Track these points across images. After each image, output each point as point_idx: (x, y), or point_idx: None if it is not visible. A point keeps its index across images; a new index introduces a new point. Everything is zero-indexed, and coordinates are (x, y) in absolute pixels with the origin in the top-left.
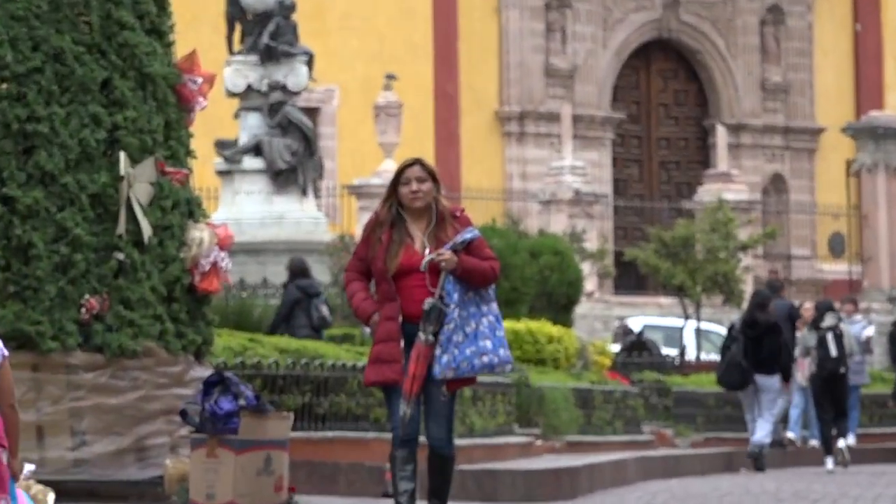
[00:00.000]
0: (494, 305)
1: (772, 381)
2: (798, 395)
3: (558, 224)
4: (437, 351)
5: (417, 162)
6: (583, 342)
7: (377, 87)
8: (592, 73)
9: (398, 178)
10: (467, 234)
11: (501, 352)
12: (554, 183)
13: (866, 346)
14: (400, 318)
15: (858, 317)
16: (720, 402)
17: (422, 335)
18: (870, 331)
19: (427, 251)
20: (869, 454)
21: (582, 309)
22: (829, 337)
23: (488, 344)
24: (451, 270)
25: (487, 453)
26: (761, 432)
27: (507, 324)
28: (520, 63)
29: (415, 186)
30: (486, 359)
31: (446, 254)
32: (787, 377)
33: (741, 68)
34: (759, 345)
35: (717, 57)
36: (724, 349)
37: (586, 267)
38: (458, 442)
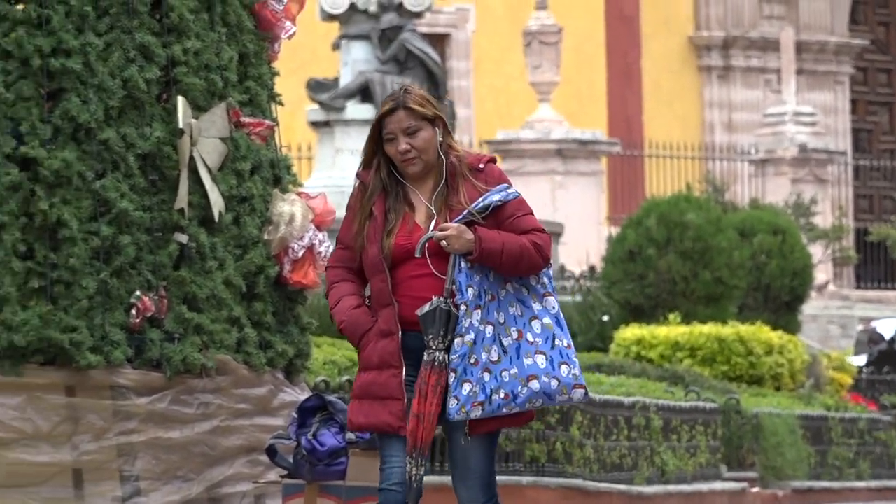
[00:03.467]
0: (553, 301)
1: None
2: None
3: (778, 192)
4: (452, 378)
5: (400, 104)
6: (813, 353)
7: (528, 5)
8: None
9: (378, 132)
10: (493, 195)
11: (564, 371)
12: (771, 135)
13: None
14: (399, 332)
15: None
16: None
17: (426, 354)
18: None
19: (433, 225)
20: None
21: (812, 308)
22: None
23: (541, 361)
24: (463, 253)
25: None
26: None
27: (711, 328)
28: None
29: (403, 145)
30: (536, 384)
31: (450, 227)
32: None
33: None
34: None
35: None
36: None
37: (817, 251)
38: (644, 489)
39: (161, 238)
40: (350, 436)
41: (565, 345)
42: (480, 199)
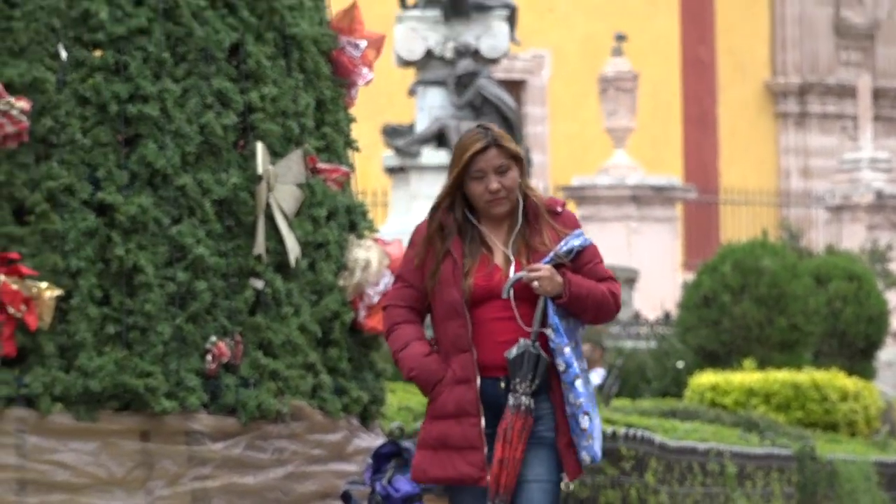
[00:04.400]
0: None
1: None
2: None
3: (854, 238)
4: (586, 420)
5: (492, 141)
6: (889, 400)
7: (604, 51)
8: None
9: (465, 169)
10: (574, 240)
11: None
12: (848, 181)
13: None
14: (478, 380)
15: None
16: None
17: (511, 398)
18: None
19: (513, 267)
20: None
21: (888, 354)
22: None
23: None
24: (552, 296)
25: None
26: None
27: (786, 375)
28: (800, 17)
29: (495, 184)
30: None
31: (542, 269)
32: None
33: None
34: None
35: None
36: None
37: (893, 297)
38: None
39: (237, 284)
40: None
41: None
42: (562, 243)
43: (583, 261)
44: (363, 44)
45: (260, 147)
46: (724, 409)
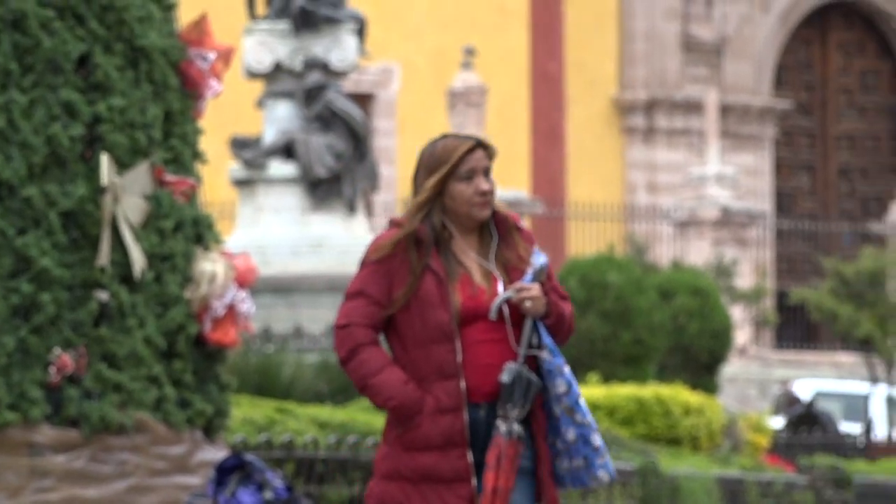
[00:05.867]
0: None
1: None
2: None
3: (699, 253)
4: (597, 440)
5: (479, 142)
6: (732, 415)
7: (453, 65)
8: (747, 46)
9: (453, 170)
10: (540, 257)
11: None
12: (694, 198)
13: None
14: (465, 408)
15: None
16: None
17: (503, 425)
18: None
19: (500, 285)
20: None
21: (731, 369)
22: None
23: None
24: (539, 316)
25: None
26: None
27: (630, 389)
28: (648, 33)
29: (484, 185)
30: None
31: (533, 288)
32: None
33: None
34: None
35: None
36: None
37: (737, 312)
38: None
39: (82, 295)
40: (267, 494)
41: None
42: (535, 261)
43: (548, 278)
44: (212, 55)
45: (105, 159)
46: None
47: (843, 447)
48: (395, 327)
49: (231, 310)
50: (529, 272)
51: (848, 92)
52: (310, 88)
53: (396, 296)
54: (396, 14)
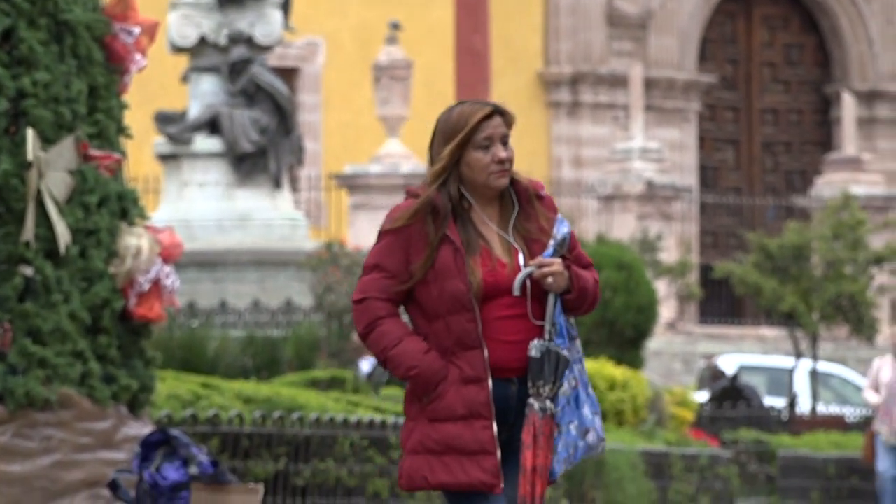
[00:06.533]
0: (579, 344)
1: None
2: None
3: (624, 227)
4: (575, 426)
5: (496, 109)
6: (656, 389)
7: (378, 39)
8: (672, 20)
9: (469, 137)
10: (563, 227)
11: (598, 422)
12: (618, 171)
13: None
14: (489, 379)
15: None
16: (843, 471)
17: (536, 402)
18: None
19: (522, 259)
20: None
21: (656, 344)
22: None
23: (587, 413)
24: (561, 291)
25: None
26: None
27: None
28: (573, 7)
29: (502, 153)
30: (591, 438)
31: (555, 263)
32: None
33: (878, 14)
34: None
35: None
36: None
37: (662, 286)
38: None
39: (6, 271)
40: (192, 469)
41: (592, 392)
42: (556, 231)
43: (570, 248)
44: (137, 30)
45: (30, 133)
46: None
47: (767, 421)
48: (415, 299)
49: (156, 285)
50: (551, 245)
51: (772, 66)
52: (234, 63)
53: (414, 267)
54: None
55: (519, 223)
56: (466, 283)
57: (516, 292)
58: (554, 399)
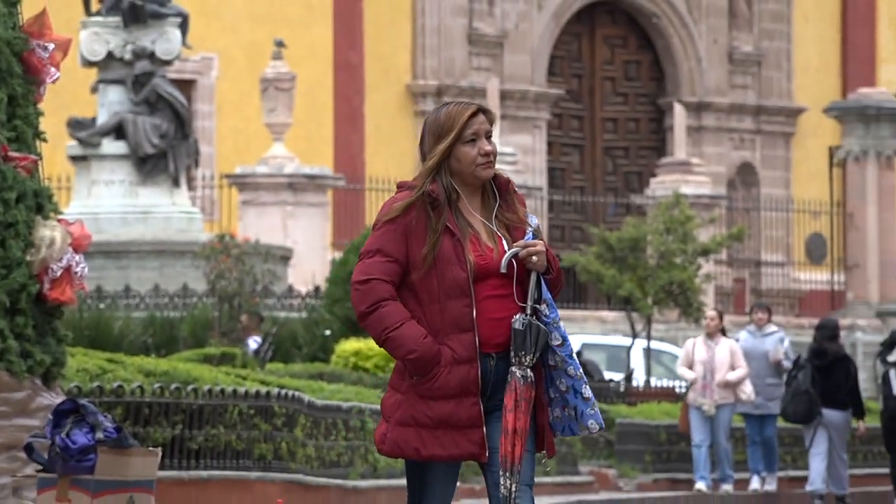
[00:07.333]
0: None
1: (843, 417)
2: (706, 431)
3: None
4: (586, 389)
5: (480, 107)
6: None
7: (265, 55)
8: (525, 40)
9: (460, 133)
10: (534, 220)
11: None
12: None
13: (778, 366)
14: (478, 359)
15: (772, 328)
16: (673, 438)
17: (518, 370)
18: (782, 349)
19: (505, 244)
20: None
21: None
22: (893, 374)
23: (588, 394)
24: (542, 271)
25: (391, 498)
26: (837, 476)
27: None
28: (437, 27)
29: (487, 146)
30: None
31: (539, 244)
32: (859, 414)
33: (705, 35)
34: (828, 376)
35: (675, 21)
36: (790, 380)
37: None
38: (358, 483)
39: None
40: (99, 434)
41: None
42: (531, 221)
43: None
44: (51, 46)
45: None
46: (365, 372)
47: (607, 392)
48: (407, 283)
49: (67, 271)
50: (530, 231)
51: (612, 80)
52: (138, 75)
53: (417, 255)
54: (215, 10)
55: (501, 213)
56: (466, 270)
57: (503, 269)
58: (533, 367)
